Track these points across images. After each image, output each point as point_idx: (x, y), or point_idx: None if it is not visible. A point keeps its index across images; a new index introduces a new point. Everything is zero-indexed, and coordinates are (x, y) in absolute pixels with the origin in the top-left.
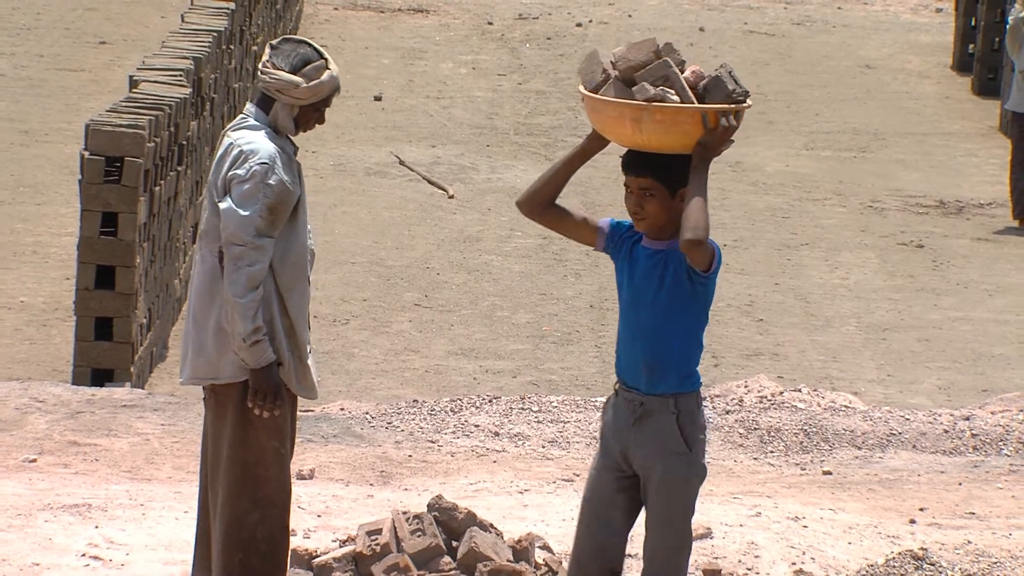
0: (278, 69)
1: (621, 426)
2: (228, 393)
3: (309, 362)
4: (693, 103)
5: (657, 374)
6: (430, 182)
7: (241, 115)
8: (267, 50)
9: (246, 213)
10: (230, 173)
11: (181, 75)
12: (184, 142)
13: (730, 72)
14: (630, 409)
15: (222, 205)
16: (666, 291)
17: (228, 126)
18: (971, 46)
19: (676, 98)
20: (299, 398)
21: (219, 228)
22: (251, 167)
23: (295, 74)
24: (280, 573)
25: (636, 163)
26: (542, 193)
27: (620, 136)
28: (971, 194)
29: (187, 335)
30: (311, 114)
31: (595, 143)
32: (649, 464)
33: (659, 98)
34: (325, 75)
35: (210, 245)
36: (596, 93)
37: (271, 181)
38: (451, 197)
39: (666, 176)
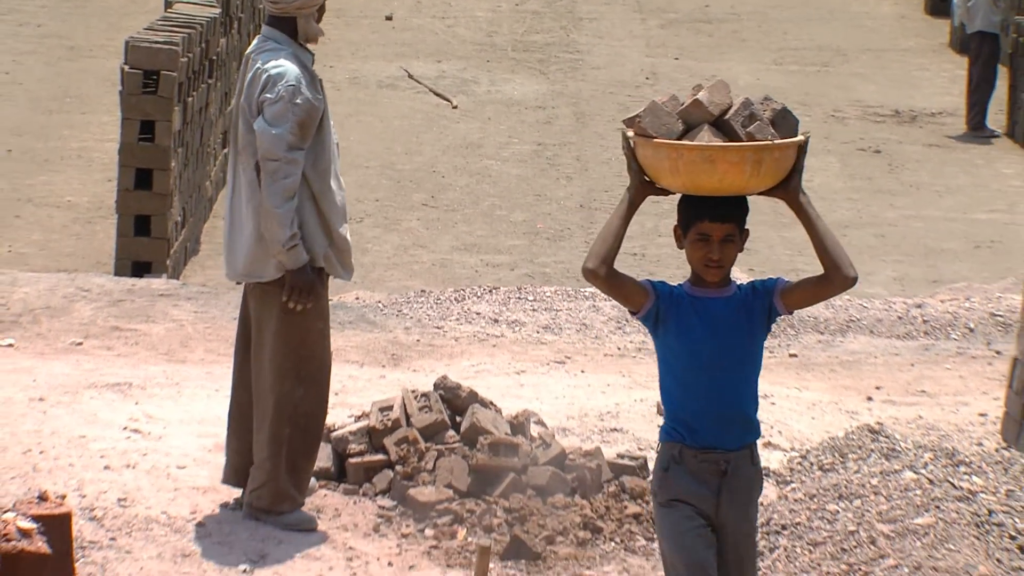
0: None
1: (706, 492)
2: (273, 284)
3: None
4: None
5: (747, 426)
6: (436, 94)
7: (260, 37)
8: None
9: (278, 131)
10: (261, 96)
11: None
12: (214, 57)
13: (752, 103)
14: (715, 471)
15: (256, 125)
16: (754, 337)
17: (251, 49)
18: None
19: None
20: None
21: (255, 145)
22: (279, 89)
23: None
24: (317, 444)
25: (723, 209)
26: (611, 255)
27: (732, 181)
28: (923, 104)
29: (231, 238)
30: (322, 12)
31: (642, 194)
32: (741, 518)
33: (777, 136)
34: None
35: (247, 160)
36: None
37: (298, 100)
38: (455, 107)
39: (743, 218)
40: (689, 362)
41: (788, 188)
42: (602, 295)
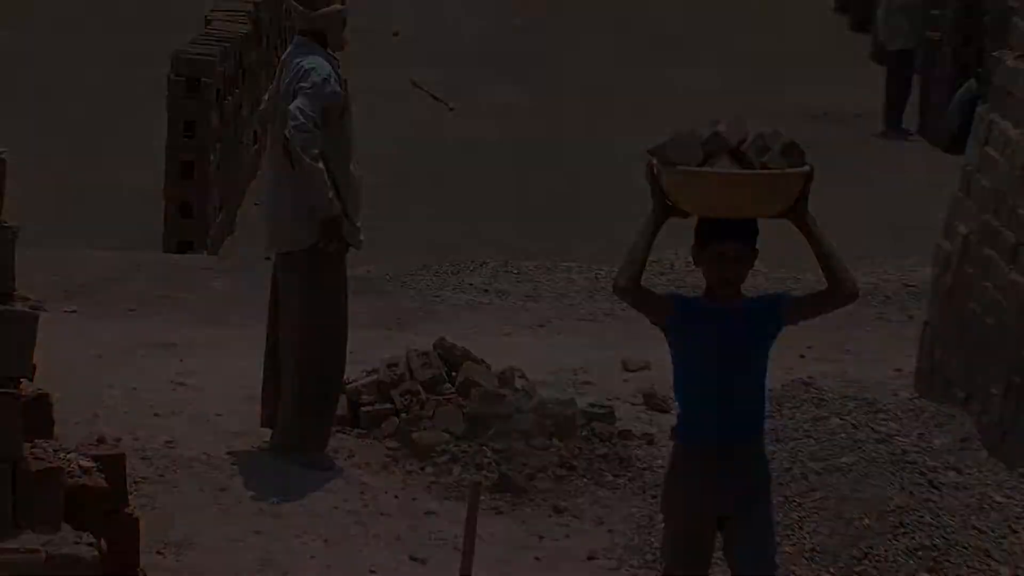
0: (319, 7)
1: (706, 478)
2: (299, 256)
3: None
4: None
5: (754, 423)
6: (435, 98)
7: (296, 44)
8: (292, 1)
9: (310, 113)
10: (297, 85)
11: (244, 15)
12: (246, 67)
13: (765, 135)
14: (715, 460)
15: (292, 106)
16: (762, 344)
17: (288, 52)
18: None
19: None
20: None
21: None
22: (313, 80)
23: (331, 3)
24: (338, 395)
25: (738, 231)
26: (639, 273)
27: (747, 206)
28: (848, 107)
29: (271, 215)
30: (345, 24)
31: (664, 216)
32: (744, 496)
33: (789, 166)
34: None
35: (283, 148)
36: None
37: (327, 90)
38: (452, 110)
39: (755, 239)
40: (702, 368)
41: (796, 211)
42: (576, 268)
